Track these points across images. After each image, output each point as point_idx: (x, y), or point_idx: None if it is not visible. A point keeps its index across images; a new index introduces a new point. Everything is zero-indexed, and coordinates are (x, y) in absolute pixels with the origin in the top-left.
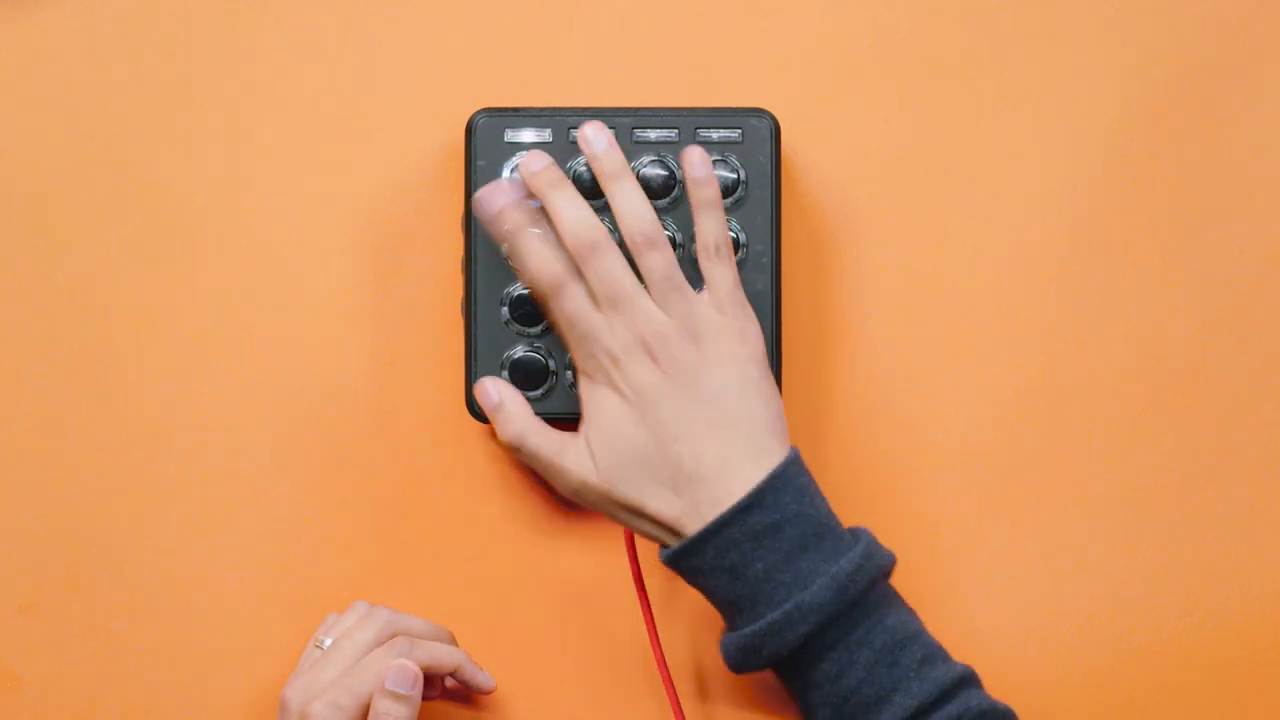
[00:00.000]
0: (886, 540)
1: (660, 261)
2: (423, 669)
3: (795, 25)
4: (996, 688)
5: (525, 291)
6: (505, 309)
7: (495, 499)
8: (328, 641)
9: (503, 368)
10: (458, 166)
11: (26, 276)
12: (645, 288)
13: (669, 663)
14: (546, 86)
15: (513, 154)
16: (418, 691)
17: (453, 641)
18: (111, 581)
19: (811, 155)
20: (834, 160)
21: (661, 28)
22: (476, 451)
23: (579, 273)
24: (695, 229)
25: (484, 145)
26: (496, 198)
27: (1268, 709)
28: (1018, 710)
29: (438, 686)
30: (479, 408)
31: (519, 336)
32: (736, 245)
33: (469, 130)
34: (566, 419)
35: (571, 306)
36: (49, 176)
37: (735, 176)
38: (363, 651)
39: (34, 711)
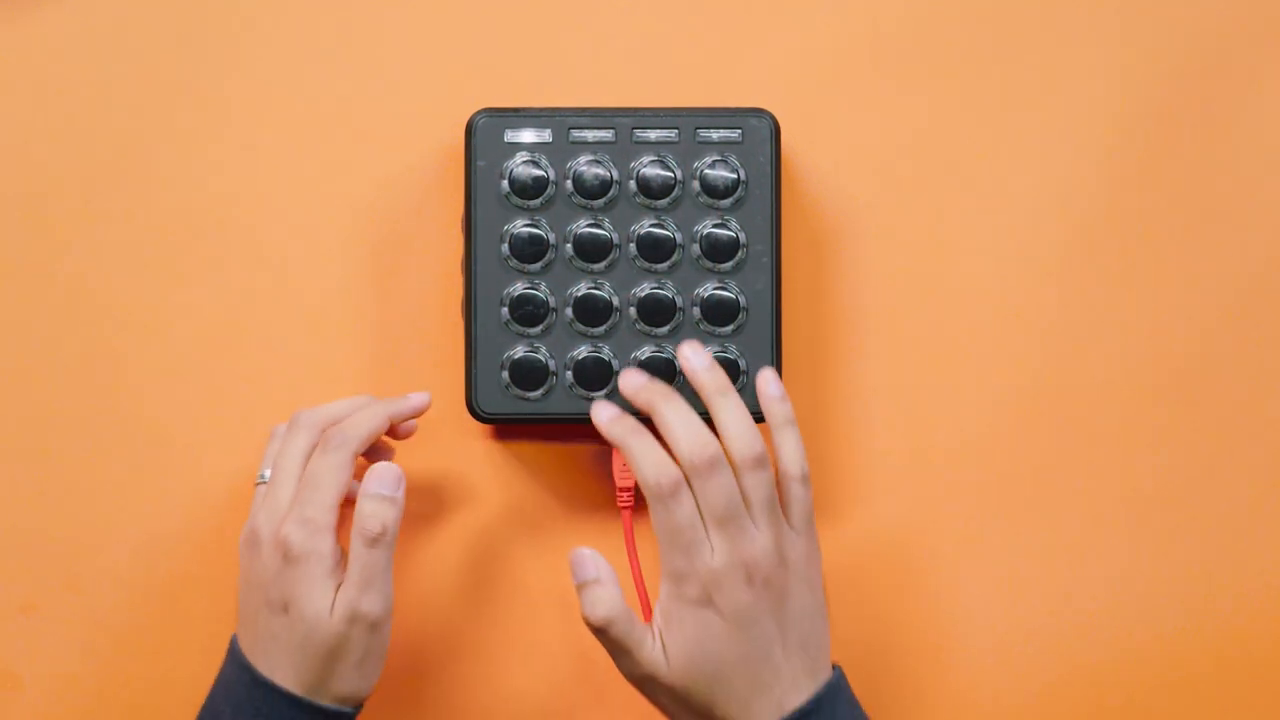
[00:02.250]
0: (887, 539)
1: (765, 482)
2: (364, 445)
3: (795, 25)
4: (997, 687)
5: (525, 291)
6: (505, 309)
7: (495, 499)
8: (268, 473)
9: (503, 368)
10: (458, 166)
11: (26, 276)
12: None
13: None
14: (546, 86)
15: (513, 154)
16: (401, 491)
17: (374, 401)
18: (111, 581)
19: (811, 155)
20: (834, 160)
21: (661, 28)
22: (476, 451)
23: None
24: (778, 451)
25: (484, 145)
26: (601, 411)
27: (1268, 709)
28: (1019, 710)
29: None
30: (479, 408)
31: (519, 336)
32: (736, 245)
33: (469, 130)
34: (567, 419)
35: (683, 518)
36: (49, 176)
37: (735, 176)
38: (302, 462)
39: (34, 711)
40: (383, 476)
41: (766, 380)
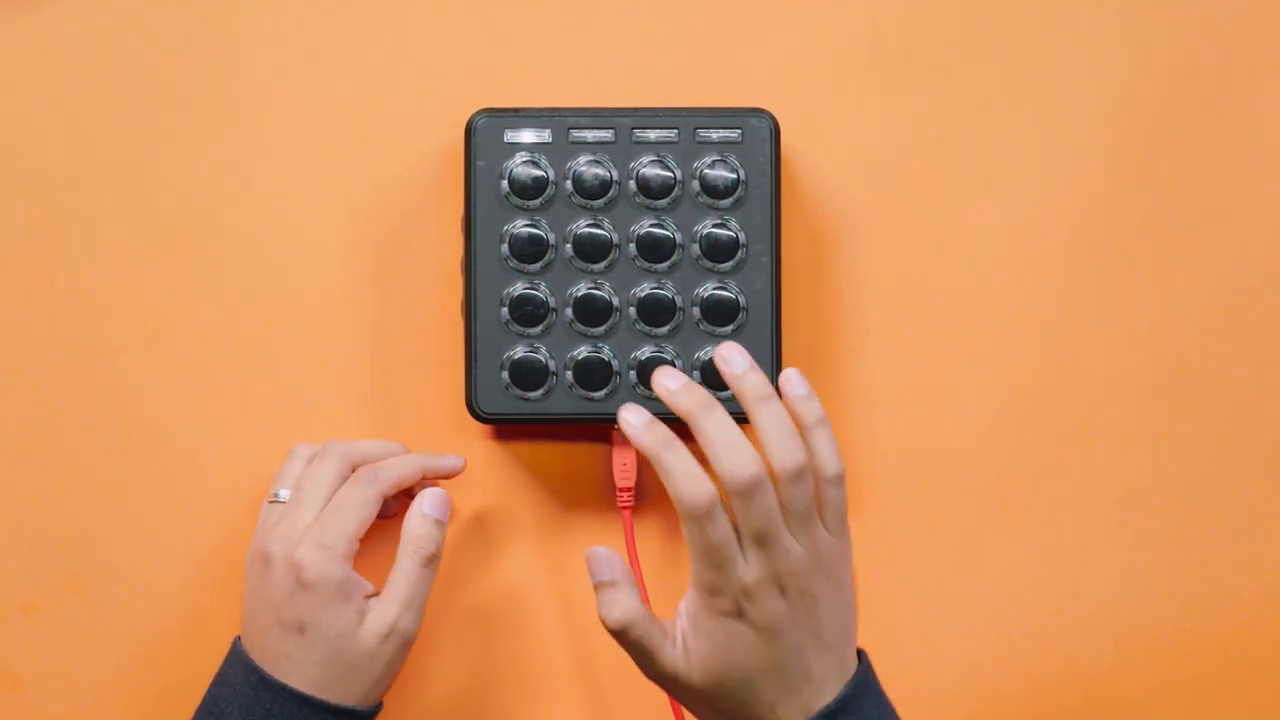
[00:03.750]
0: (886, 539)
1: (804, 493)
2: (394, 488)
3: (794, 25)
4: (997, 687)
5: (525, 291)
6: (505, 309)
7: (495, 499)
8: (284, 493)
9: (502, 368)
10: (458, 166)
11: (26, 276)
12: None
13: None
14: (546, 86)
15: (513, 154)
16: (448, 516)
17: (405, 450)
18: (111, 581)
19: (811, 155)
20: (834, 160)
21: (661, 28)
22: (476, 452)
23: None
24: (813, 452)
25: (484, 145)
26: (633, 416)
27: (1268, 709)
28: (1019, 710)
29: (401, 501)
30: (479, 408)
31: (519, 336)
32: (736, 245)
33: (469, 130)
34: (567, 419)
35: (718, 536)
36: (49, 176)
37: (735, 176)
38: (329, 490)
39: (34, 711)
40: (437, 500)
41: (791, 380)
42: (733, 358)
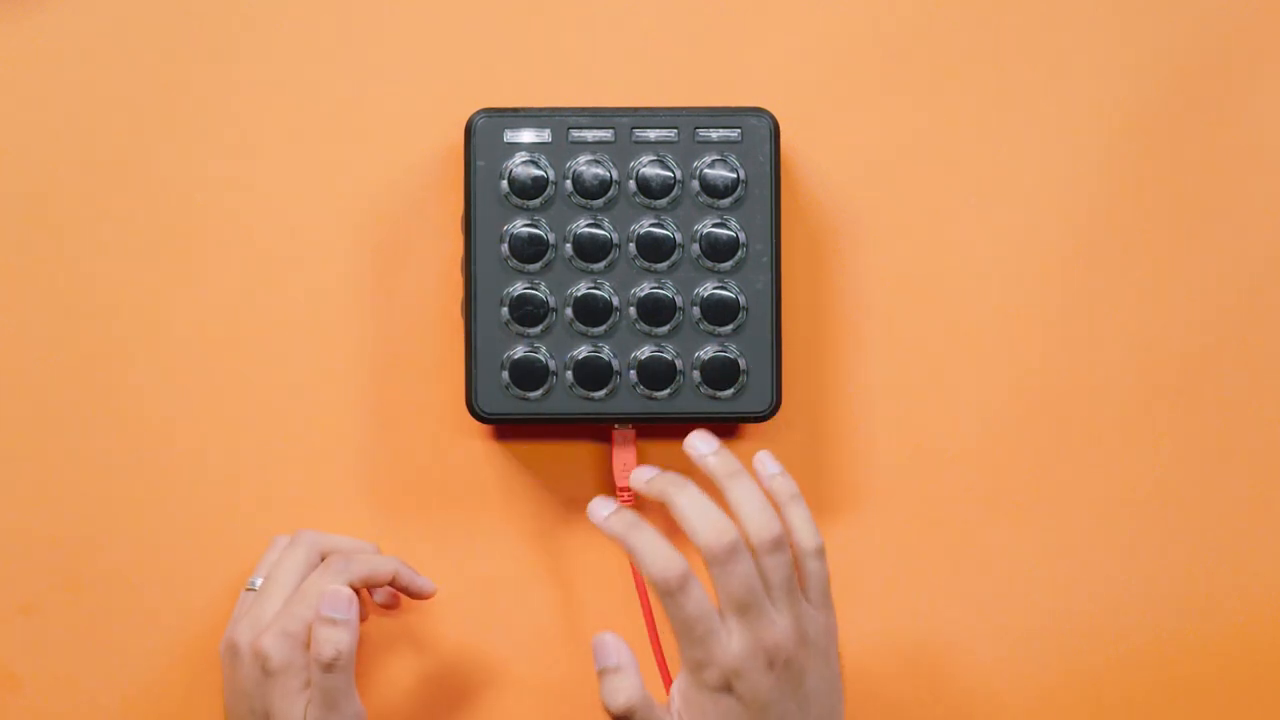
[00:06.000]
0: (886, 539)
1: (784, 564)
2: (362, 582)
3: (795, 25)
4: (997, 687)
5: (525, 291)
6: (505, 309)
7: (495, 499)
8: (258, 582)
9: (503, 368)
10: (457, 166)
11: (26, 276)
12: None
13: (668, 664)
14: (546, 86)
15: (513, 154)
16: (354, 614)
17: (378, 551)
18: (111, 581)
19: (811, 155)
20: (834, 160)
21: (661, 28)
22: (476, 452)
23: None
24: (791, 528)
25: (484, 145)
26: (599, 508)
27: (1268, 709)
28: (1020, 710)
29: (368, 604)
30: (479, 408)
31: (519, 336)
32: (736, 245)
33: (468, 130)
34: (567, 419)
35: (695, 609)
36: (49, 176)
37: (735, 176)
38: (297, 579)
39: (34, 711)
40: (334, 600)
41: (763, 461)
42: (697, 443)
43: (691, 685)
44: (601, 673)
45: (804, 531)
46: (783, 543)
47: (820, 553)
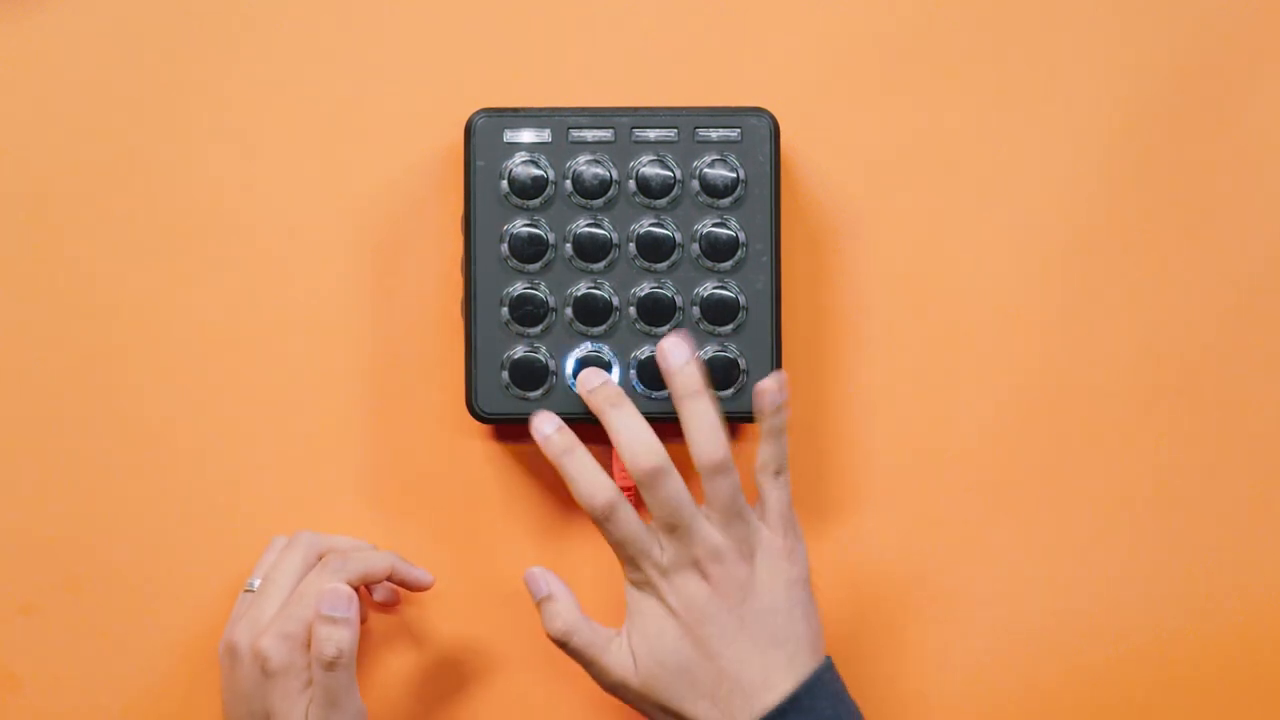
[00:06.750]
0: (886, 539)
1: (728, 487)
2: (360, 579)
3: (794, 25)
4: (997, 688)
5: (525, 291)
6: (505, 309)
7: (495, 499)
8: (256, 583)
9: (503, 368)
10: (457, 166)
11: (26, 276)
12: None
13: None
14: (546, 86)
15: (512, 154)
16: (354, 612)
17: (374, 549)
18: (111, 581)
19: (811, 155)
20: (834, 160)
21: (661, 28)
22: (476, 451)
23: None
24: (759, 450)
25: (483, 145)
26: (542, 424)
27: (1268, 709)
28: (1020, 710)
29: (368, 602)
30: (479, 408)
31: (519, 336)
32: (736, 244)
33: (468, 130)
34: (567, 419)
35: (623, 531)
36: (49, 176)
37: (735, 176)
38: (295, 579)
39: (34, 711)
40: (333, 598)
41: (670, 351)
42: (670, 351)
43: (631, 592)
44: (538, 605)
45: (768, 457)
46: (725, 467)
47: (778, 477)
